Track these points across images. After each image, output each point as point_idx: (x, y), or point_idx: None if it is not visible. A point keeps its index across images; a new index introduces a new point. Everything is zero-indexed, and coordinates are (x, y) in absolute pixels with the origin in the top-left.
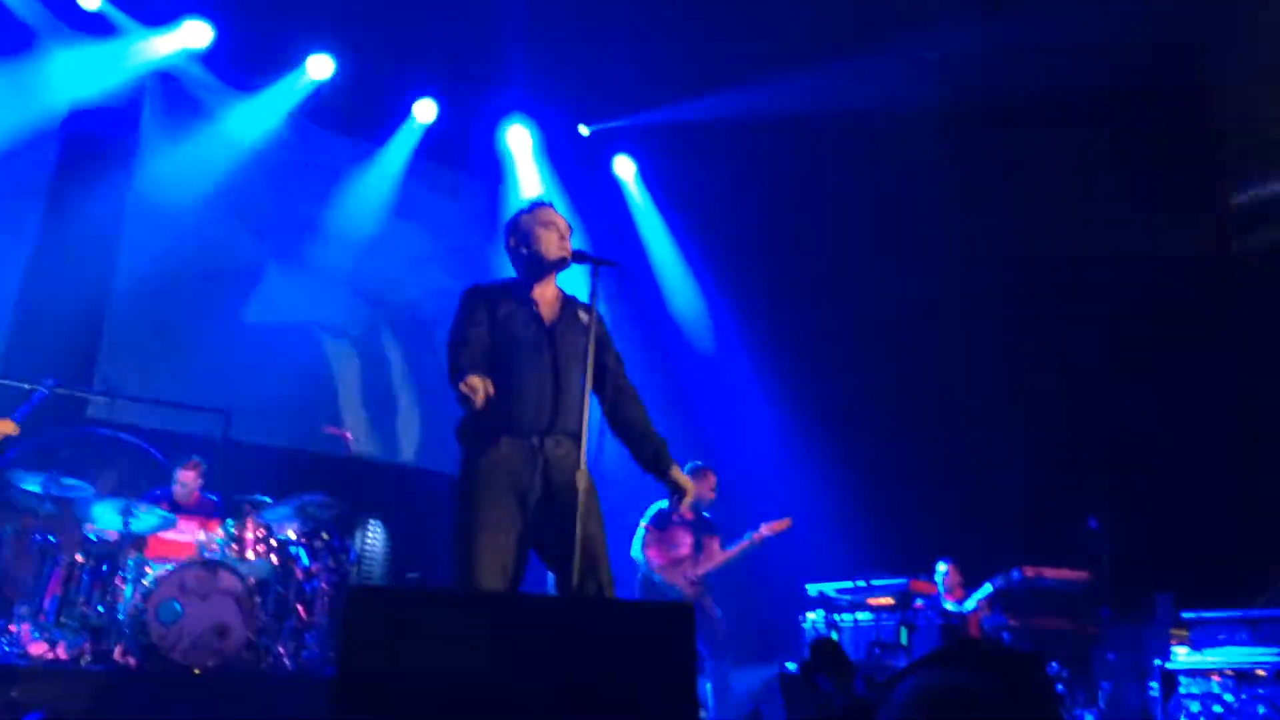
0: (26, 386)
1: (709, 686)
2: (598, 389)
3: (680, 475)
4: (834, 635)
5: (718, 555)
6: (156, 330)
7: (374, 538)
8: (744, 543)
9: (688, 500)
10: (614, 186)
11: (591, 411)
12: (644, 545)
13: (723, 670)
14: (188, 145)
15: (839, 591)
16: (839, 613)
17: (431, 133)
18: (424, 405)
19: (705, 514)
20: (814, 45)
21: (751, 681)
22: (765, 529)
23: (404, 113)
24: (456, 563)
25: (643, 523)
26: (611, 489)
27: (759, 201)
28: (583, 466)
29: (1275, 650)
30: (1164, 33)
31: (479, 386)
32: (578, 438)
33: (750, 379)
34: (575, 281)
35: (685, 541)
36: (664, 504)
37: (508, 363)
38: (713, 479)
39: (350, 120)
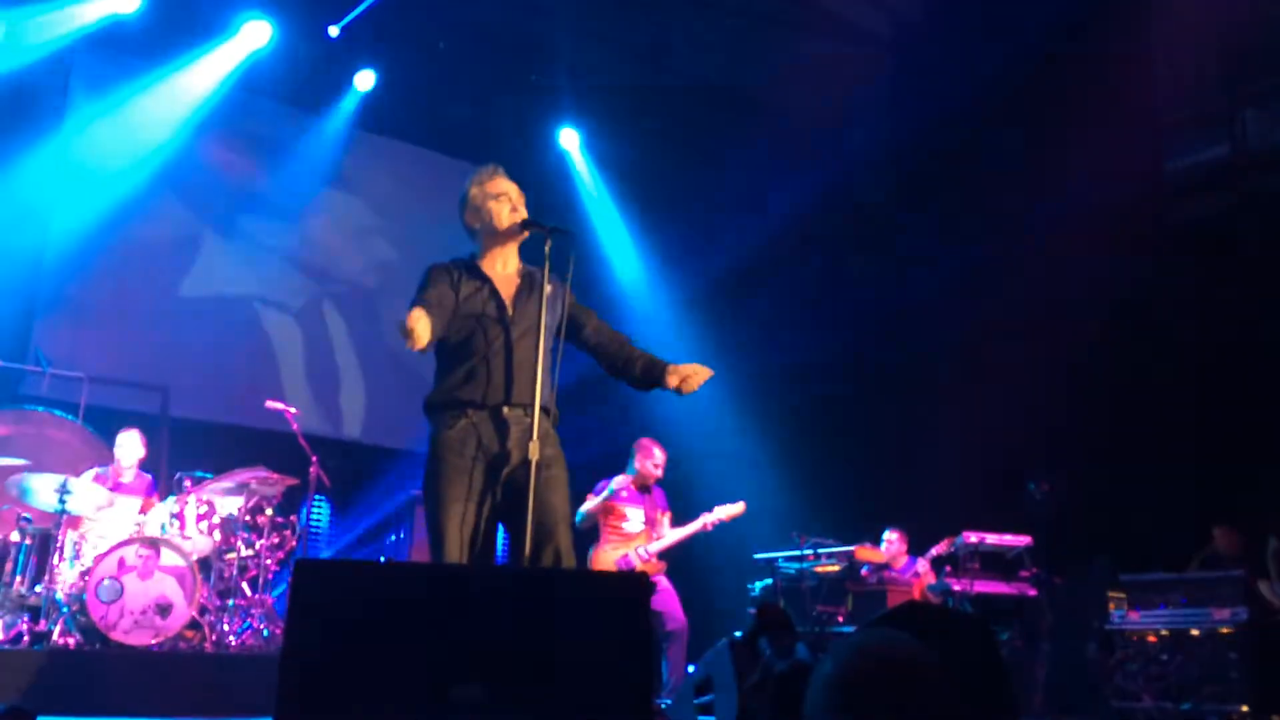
0: None
1: (664, 653)
2: (597, 355)
3: (680, 368)
4: (780, 601)
5: (670, 534)
6: (91, 305)
7: (318, 514)
8: (695, 525)
9: (697, 380)
10: (558, 158)
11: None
12: (586, 512)
13: (676, 643)
14: (120, 114)
15: (786, 559)
16: (786, 580)
17: (372, 102)
18: (368, 380)
19: (652, 488)
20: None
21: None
22: (718, 513)
23: (344, 81)
24: (429, 535)
25: (596, 496)
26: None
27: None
28: (535, 436)
29: (1209, 611)
30: None
31: (412, 329)
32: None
33: (697, 350)
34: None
35: (634, 517)
36: (619, 480)
37: (467, 338)
38: (658, 454)
39: (289, 88)
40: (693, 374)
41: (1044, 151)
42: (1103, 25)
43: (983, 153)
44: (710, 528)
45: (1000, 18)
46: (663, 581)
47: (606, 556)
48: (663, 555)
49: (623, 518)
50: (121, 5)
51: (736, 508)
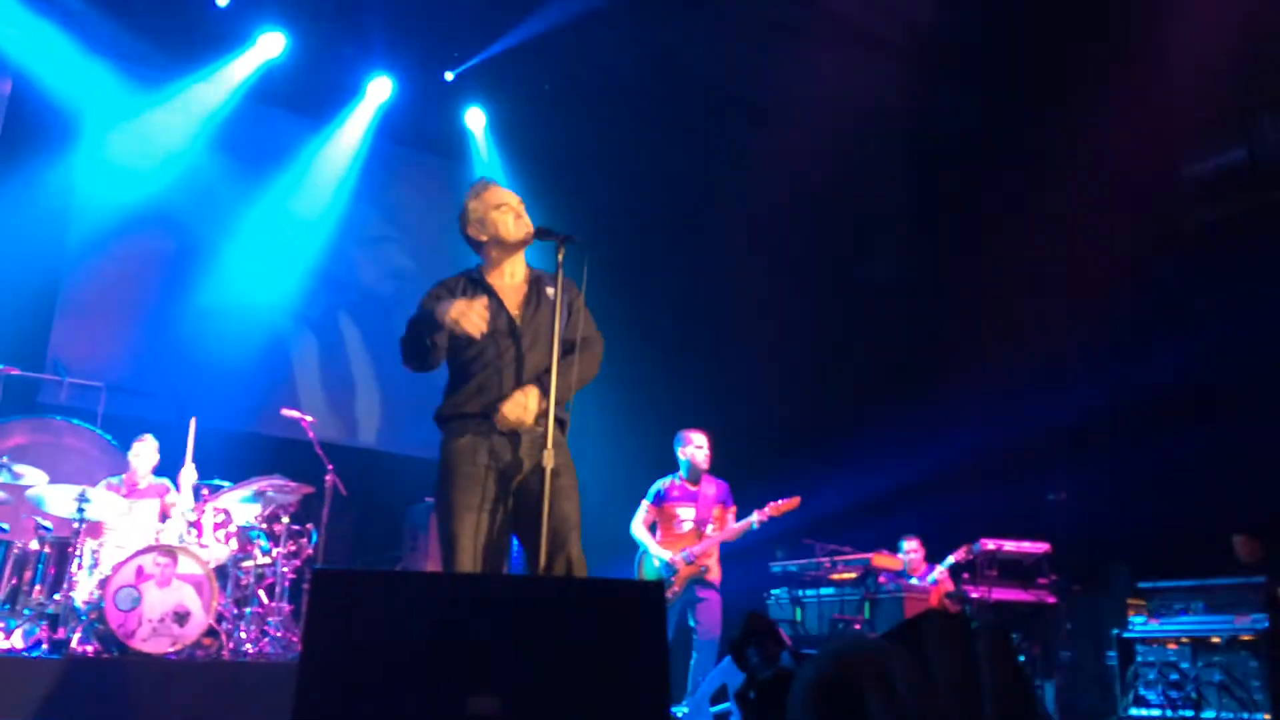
0: None
1: (693, 662)
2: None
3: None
4: (797, 611)
5: (712, 535)
6: (108, 313)
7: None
8: (746, 521)
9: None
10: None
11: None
12: (642, 523)
13: (706, 654)
14: (137, 125)
15: (803, 568)
16: (803, 589)
17: (386, 111)
18: (383, 388)
19: (703, 482)
20: None
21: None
22: (771, 508)
23: (358, 91)
24: (441, 545)
25: (644, 501)
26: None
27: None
28: (549, 445)
29: (1230, 619)
30: None
31: (464, 308)
32: (549, 417)
33: (713, 357)
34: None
35: (686, 516)
36: (665, 480)
37: (478, 350)
38: (697, 437)
39: (304, 98)
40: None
41: (1059, 155)
42: (1119, 29)
43: (997, 160)
44: (764, 520)
45: (1015, 23)
46: (707, 591)
47: (650, 563)
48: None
49: (673, 518)
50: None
51: (792, 502)
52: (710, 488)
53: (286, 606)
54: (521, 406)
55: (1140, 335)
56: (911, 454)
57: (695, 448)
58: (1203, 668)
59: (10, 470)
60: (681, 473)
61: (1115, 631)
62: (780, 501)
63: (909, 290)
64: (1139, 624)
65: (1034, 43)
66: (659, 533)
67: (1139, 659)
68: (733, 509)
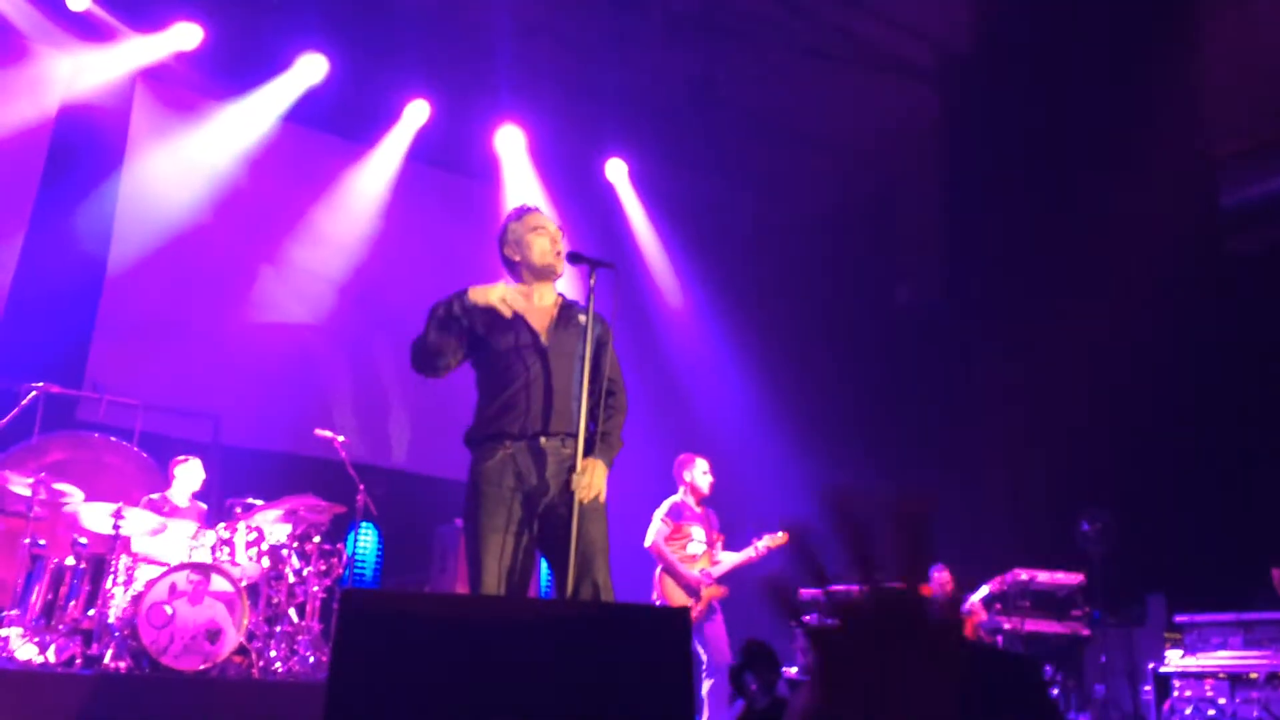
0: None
1: (708, 685)
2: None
3: (584, 464)
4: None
5: (726, 558)
6: (146, 332)
7: (365, 541)
8: (748, 552)
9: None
10: (605, 189)
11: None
12: (660, 538)
13: (717, 677)
14: (178, 146)
15: (830, 595)
16: (832, 617)
17: (423, 134)
18: (415, 409)
19: (704, 508)
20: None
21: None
22: (763, 542)
23: (395, 114)
24: (469, 567)
25: (656, 515)
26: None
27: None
28: (579, 468)
29: (1268, 653)
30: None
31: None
32: (577, 438)
33: (744, 380)
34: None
35: (698, 537)
36: (676, 498)
37: (504, 370)
38: (701, 462)
39: (342, 121)
40: (586, 483)
41: (1095, 185)
42: (1158, 49)
43: (1032, 189)
44: (760, 555)
45: (1047, 51)
46: (716, 615)
47: (669, 574)
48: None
49: (688, 538)
50: (184, 42)
51: (778, 538)
52: (709, 512)
53: (316, 626)
54: (588, 484)
55: (1179, 363)
56: (943, 482)
57: (701, 473)
58: (1240, 704)
59: (48, 486)
60: (686, 495)
61: (1151, 665)
62: (768, 537)
63: (941, 314)
64: (1175, 658)
65: (1070, 64)
66: (673, 551)
67: (1174, 694)
68: (722, 537)
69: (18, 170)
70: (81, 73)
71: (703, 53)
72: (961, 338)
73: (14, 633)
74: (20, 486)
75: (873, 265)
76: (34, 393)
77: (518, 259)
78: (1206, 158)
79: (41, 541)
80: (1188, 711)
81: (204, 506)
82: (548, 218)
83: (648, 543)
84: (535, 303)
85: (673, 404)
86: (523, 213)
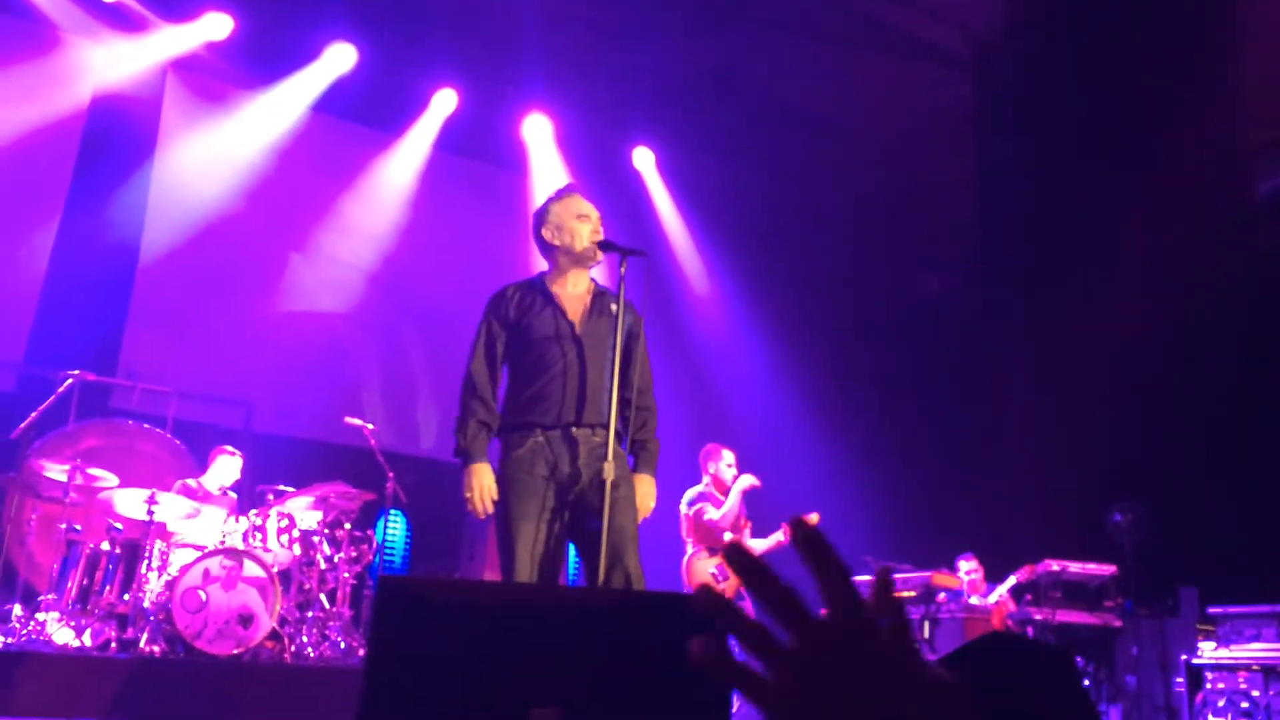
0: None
1: None
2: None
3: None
4: None
5: (754, 545)
6: (178, 321)
7: (395, 528)
8: (777, 537)
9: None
10: (633, 178)
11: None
12: (687, 530)
13: None
14: (208, 136)
15: (860, 585)
16: None
17: (451, 123)
18: (444, 397)
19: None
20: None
21: None
22: (784, 535)
23: (423, 103)
24: (500, 555)
25: (682, 508)
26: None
27: (776, 193)
28: (610, 457)
29: None
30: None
31: (478, 504)
32: (608, 428)
33: (772, 370)
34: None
35: (722, 526)
36: (700, 487)
37: (536, 359)
38: (727, 454)
39: (371, 111)
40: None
41: (1129, 175)
42: (1194, 42)
43: (1066, 178)
44: (787, 543)
45: (1082, 39)
46: (745, 600)
47: (701, 567)
48: None
49: (714, 527)
50: (214, 32)
51: (811, 519)
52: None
53: (347, 612)
54: (646, 509)
55: (1213, 353)
56: (973, 471)
57: (726, 465)
58: (1274, 696)
59: (83, 472)
60: (710, 486)
61: (1183, 657)
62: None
63: (972, 304)
64: (1208, 650)
65: (1106, 52)
66: (700, 541)
67: (1207, 686)
68: (749, 524)
69: (52, 160)
70: (113, 63)
71: (731, 41)
72: (993, 327)
73: (50, 617)
74: (56, 473)
75: (903, 254)
76: (69, 381)
77: (557, 244)
78: (1242, 148)
79: (77, 527)
80: (1220, 704)
81: (234, 497)
82: (590, 204)
83: (684, 531)
84: (569, 289)
85: (699, 391)
86: (565, 195)
